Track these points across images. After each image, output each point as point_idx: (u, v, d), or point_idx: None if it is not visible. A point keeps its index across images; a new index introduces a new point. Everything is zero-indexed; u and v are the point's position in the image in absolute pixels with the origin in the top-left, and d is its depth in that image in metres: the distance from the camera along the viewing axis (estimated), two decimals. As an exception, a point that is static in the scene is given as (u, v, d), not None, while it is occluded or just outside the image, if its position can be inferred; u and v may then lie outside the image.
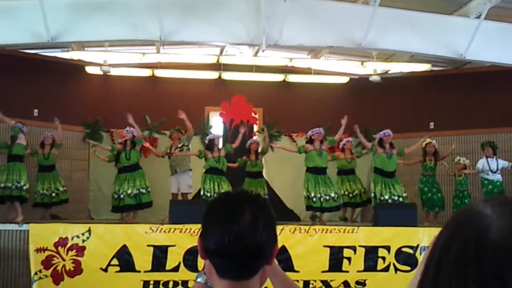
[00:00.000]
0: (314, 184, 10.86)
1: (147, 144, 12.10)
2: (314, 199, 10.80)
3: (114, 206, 11.22)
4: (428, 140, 11.95)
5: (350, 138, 12.71)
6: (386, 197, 10.81)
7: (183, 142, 12.14)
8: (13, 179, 10.50)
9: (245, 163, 12.02)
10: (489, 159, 11.53)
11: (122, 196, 10.96)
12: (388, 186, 10.92)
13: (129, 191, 10.97)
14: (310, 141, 11.19)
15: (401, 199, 10.86)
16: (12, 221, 9.99)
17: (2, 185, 10.48)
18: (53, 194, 11.53)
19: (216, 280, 1.52)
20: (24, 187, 10.63)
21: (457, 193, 11.74)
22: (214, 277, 1.52)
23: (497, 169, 11.44)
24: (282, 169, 13.53)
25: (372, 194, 11.05)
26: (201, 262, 8.06)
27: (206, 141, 11.71)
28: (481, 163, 11.60)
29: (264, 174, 12.51)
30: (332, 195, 10.89)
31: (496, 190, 11.32)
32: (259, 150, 12.31)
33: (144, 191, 11.11)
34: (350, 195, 12.19)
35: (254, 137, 13.09)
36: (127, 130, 11.45)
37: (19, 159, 10.76)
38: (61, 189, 11.68)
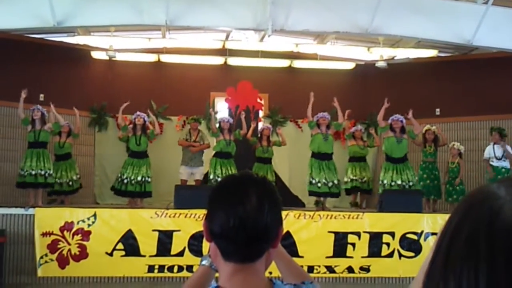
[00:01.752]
0: (319, 170, 10.88)
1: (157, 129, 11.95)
2: (319, 184, 10.81)
3: (116, 188, 11.15)
4: (427, 126, 11.89)
5: (359, 126, 12.74)
6: (399, 182, 10.78)
7: (200, 140, 12.09)
8: (40, 166, 10.34)
9: (256, 142, 12.10)
10: (495, 146, 11.47)
11: (125, 181, 10.93)
12: (399, 172, 10.90)
13: (132, 177, 10.92)
14: (317, 125, 11.22)
15: (411, 184, 10.83)
16: (34, 205, 9.95)
17: (33, 172, 10.29)
18: (70, 183, 11.51)
19: (221, 263, 1.52)
20: (50, 175, 10.53)
21: (450, 179, 11.72)
22: (219, 259, 1.52)
23: (502, 156, 11.38)
24: (288, 155, 13.54)
25: (380, 182, 11.02)
26: (206, 247, 8.09)
27: (217, 124, 11.72)
28: (488, 150, 11.56)
29: (270, 160, 12.54)
30: (335, 181, 10.92)
31: (500, 177, 11.25)
32: (272, 139, 12.28)
33: (149, 179, 11.07)
34: (360, 180, 12.20)
35: (260, 123, 13.11)
36: (138, 115, 11.34)
37: (44, 146, 10.62)
38: (74, 177, 11.62)
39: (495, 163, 11.39)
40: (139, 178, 10.92)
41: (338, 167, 11.63)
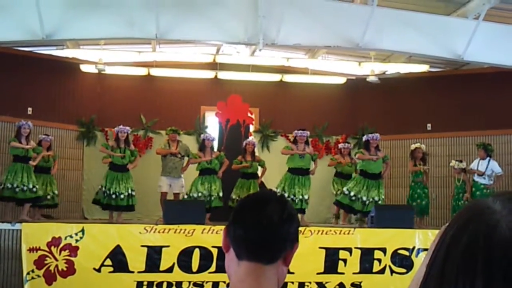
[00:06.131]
0: (290, 185, 10.81)
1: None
2: (293, 197, 10.73)
3: (102, 203, 10.94)
4: (417, 144, 11.78)
5: (346, 144, 12.62)
6: (364, 198, 10.71)
7: (180, 152, 11.91)
8: (24, 181, 10.22)
9: (240, 163, 11.83)
10: (480, 161, 11.42)
11: (114, 196, 10.74)
12: (368, 187, 10.82)
13: (123, 191, 10.77)
14: (295, 141, 11.13)
15: (379, 202, 10.78)
16: (21, 220, 9.78)
17: (24, 187, 10.20)
18: (48, 197, 11.33)
19: (235, 267, 1.60)
20: (35, 189, 10.40)
21: (456, 195, 11.67)
22: (234, 265, 1.60)
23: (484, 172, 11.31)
24: (278, 170, 13.41)
25: (346, 190, 10.90)
26: (195, 263, 7.93)
27: (201, 141, 11.59)
28: (473, 164, 11.52)
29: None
30: (306, 197, 10.82)
31: (478, 193, 11.12)
32: (257, 155, 12.13)
33: (134, 193, 10.95)
34: None
35: (250, 138, 12.99)
36: (121, 129, 11.05)
37: (27, 161, 10.48)
38: (56, 192, 11.48)
39: (475, 178, 11.33)
40: (126, 192, 10.78)
41: (324, 181, 11.50)
